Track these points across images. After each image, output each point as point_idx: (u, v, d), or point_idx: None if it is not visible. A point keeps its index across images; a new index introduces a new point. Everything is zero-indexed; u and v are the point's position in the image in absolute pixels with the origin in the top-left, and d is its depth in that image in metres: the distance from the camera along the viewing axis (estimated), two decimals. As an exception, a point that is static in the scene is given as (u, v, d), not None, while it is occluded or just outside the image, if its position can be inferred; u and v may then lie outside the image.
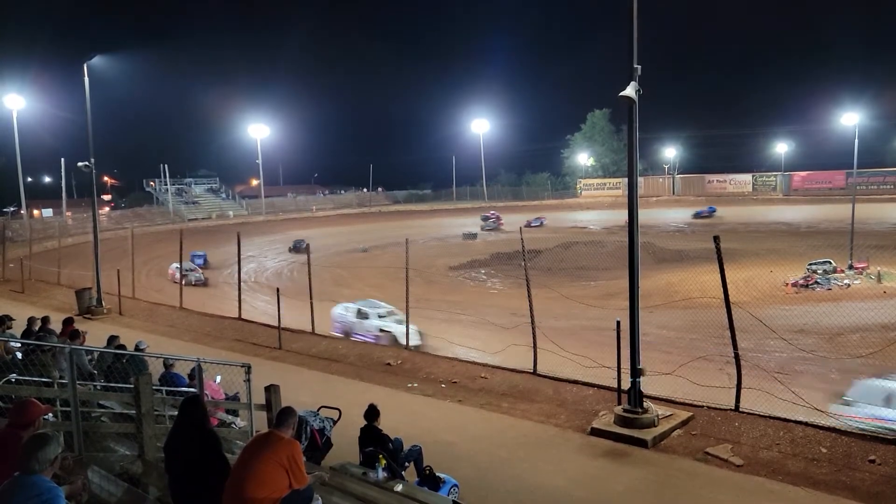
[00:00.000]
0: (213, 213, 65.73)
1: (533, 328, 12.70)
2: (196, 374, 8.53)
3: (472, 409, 10.97)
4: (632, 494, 7.75)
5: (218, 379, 9.69)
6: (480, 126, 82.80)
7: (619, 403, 9.83)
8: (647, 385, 9.87)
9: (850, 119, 42.82)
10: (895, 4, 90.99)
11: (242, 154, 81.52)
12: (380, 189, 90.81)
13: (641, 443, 8.98)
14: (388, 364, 13.78)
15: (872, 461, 7.86)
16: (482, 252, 44.73)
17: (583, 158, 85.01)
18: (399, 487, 6.31)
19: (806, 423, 8.93)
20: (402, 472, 6.93)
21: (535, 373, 12.22)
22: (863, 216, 36.80)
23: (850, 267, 30.15)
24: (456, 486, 7.06)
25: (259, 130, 72.78)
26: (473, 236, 55.01)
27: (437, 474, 7.03)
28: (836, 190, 62.32)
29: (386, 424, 7.24)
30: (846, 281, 28.47)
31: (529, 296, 12.95)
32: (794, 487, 7.56)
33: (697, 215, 60.55)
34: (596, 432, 9.49)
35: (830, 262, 30.04)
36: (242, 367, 8.15)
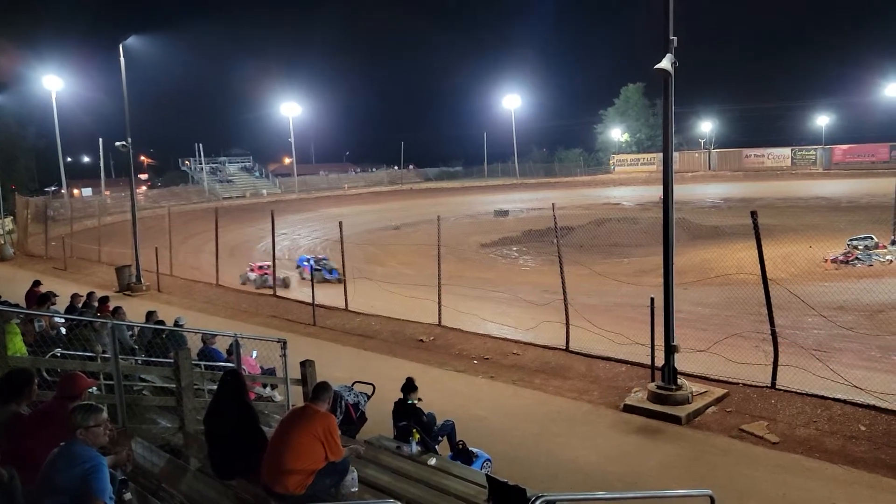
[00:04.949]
0: (247, 192, 66.45)
1: (566, 305, 12.64)
2: (234, 350, 8.71)
3: (504, 385, 11.02)
4: (665, 470, 7.72)
5: (254, 354, 9.90)
6: (512, 102, 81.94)
7: (653, 380, 9.77)
8: (682, 362, 9.78)
9: (895, 90, 41.26)
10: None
11: (275, 132, 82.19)
12: (411, 166, 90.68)
13: (675, 419, 8.93)
14: (421, 340, 13.88)
15: (914, 440, 7.70)
16: (514, 229, 44.44)
17: (616, 134, 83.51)
18: (433, 461, 6.40)
19: (844, 401, 8.78)
20: (436, 447, 7.02)
21: (567, 349, 12.20)
22: (907, 190, 35.57)
23: (893, 242, 29.24)
24: (489, 460, 7.12)
25: (291, 109, 73.19)
26: (505, 213, 54.72)
27: (470, 449, 7.11)
28: (880, 164, 60.30)
29: (419, 398, 7.31)
30: (889, 257, 27.60)
31: (562, 273, 12.88)
32: (832, 465, 7.46)
33: None
34: (629, 409, 9.46)
35: (872, 238, 29.14)
36: (278, 342, 8.30)
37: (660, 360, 9.69)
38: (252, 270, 25.04)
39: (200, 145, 70.04)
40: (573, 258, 21.16)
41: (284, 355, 8.28)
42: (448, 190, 69.68)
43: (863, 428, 8.14)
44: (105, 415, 3.96)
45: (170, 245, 24.18)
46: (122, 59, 21.89)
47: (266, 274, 22.38)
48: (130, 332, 10.31)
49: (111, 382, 6.74)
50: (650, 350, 10.03)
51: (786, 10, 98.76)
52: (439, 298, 15.03)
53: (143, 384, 8.41)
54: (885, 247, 28.76)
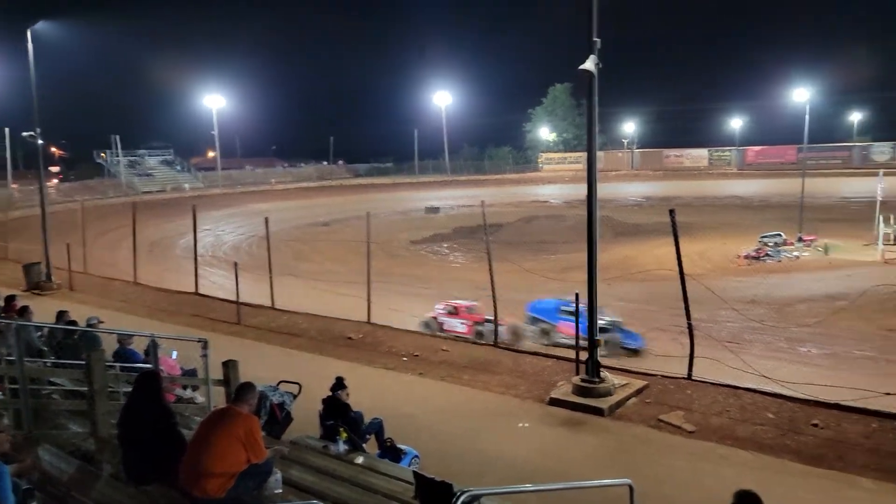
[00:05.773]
0: (168, 186, 64.03)
1: (494, 302, 12.81)
2: (151, 350, 8.38)
3: (433, 382, 11.05)
4: (589, 461, 7.94)
5: (174, 354, 9.55)
6: (442, 99, 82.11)
7: (577, 374, 10.02)
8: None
9: (802, 95, 43.78)
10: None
11: (198, 125, 79.17)
12: (340, 162, 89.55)
13: (598, 411, 9.19)
14: (350, 338, 13.74)
15: (815, 425, 8.21)
16: (444, 226, 44.74)
17: (544, 132, 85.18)
18: (360, 460, 6.35)
19: (754, 390, 9.28)
20: (364, 445, 6.97)
21: (495, 345, 12.36)
22: (812, 190, 37.91)
23: (800, 239, 31.13)
24: (417, 456, 7.12)
25: (215, 101, 70.83)
26: (436, 210, 54.95)
27: (398, 446, 7.08)
28: (788, 165, 63.86)
29: (349, 397, 7.24)
30: (795, 253, 29.39)
31: (491, 270, 13.03)
32: (743, 451, 7.86)
33: None
34: (554, 402, 9.66)
35: (781, 235, 30.97)
36: (199, 342, 8.04)
37: (584, 354, 9.95)
38: (454, 314, 16.45)
39: (117, 137, 66.89)
40: (502, 255, 21.46)
41: (205, 355, 8.01)
42: (378, 186, 69.26)
43: (771, 415, 8.61)
44: (6, 421, 3.73)
45: (83, 241, 23.03)
46: (30, 45, 20.65)
47: (487, 321, 14.31)
48: (39, 333, 9.75)
49: (16, 386, 6.35)
50: (574, 344, 10.29)
51: (705, 16, 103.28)
52: (368, 296, 14.93)
53: (53, 388, 7.97)
54: (792, 244, 30.62)
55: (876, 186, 31.13)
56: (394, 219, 48.18)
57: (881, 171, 33.75)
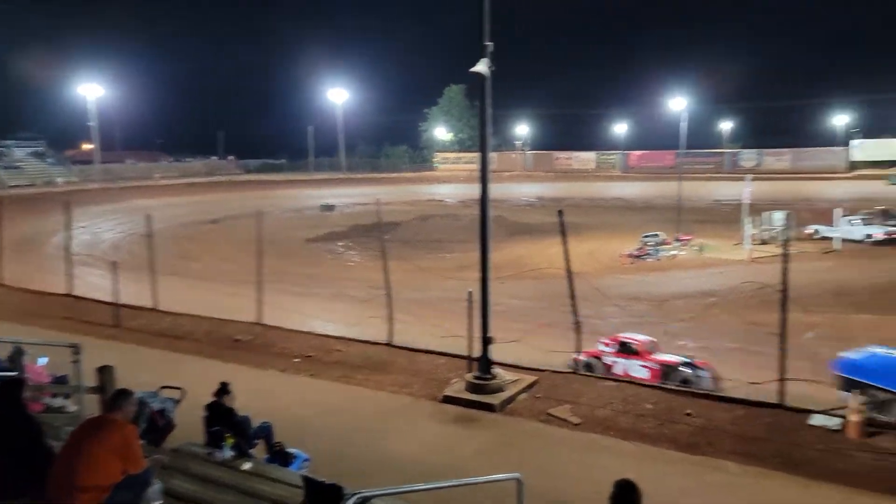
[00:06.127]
0: (39, 180, 59.40)
1: (389, 300, 12.77)
2: (14, 357, 7.73)
3: (326, 383, 10.90)
4: (480, 456, 8.10)
5: (43, 361, 8.84)
6: (338, 96, 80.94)
7: (470, 371, 10.18)
8: (497, 352, 10.29)
9: (679, 104, 46.72)
10: None
11: (73, 116, 73.60)
12: (231, 158, 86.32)
13: (490, 407, 9.39)
14: (238, 340, 13.27)
15: (689, 414, 8.79)
16: (340, 224, 44.17)
17: (440, 132, 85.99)
18: (247, 466, 6.15)
19: (635, 383, 9.83)
20: (252, 451, 6.74)
21: (390, 344, 12.33)
22: (688, 193, 40.55)
23: (677, 239, 33.17)
24: (307, 460, 6.97)
25: (92, 90, 66.16)
26: (331, 208, 54.11)
27: (287, 450, 6.91)
28: (666, 168, 67.84)
29: (236, 402, 6.97)
30: (673, 252, 31.27)
31: (385, 268, 13.00)
32: (625, 442, 8.29)
33: None
34: (448, 399, 9.78)
35: (658, 235, 32.87)
36: (70, 347, 7.50)
37: (477, 351, 10.13)
38: (631, 355, 12.33)
39: (-20, 126, 61.28)
40: (398, 253, 21.49)
41: (77, 361, 7.47)
42: (272, 183, 67.35)
43: (650, 406, 9.12)
44: None
45: (-63, 239, 20.88)
46: None
47: (688, 365, 11.60)
48: None
49: None
50: (467, 342, 10.46)
51: (593, 25, 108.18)
52: (259, 296, 14.48)
53: None
54: (670, 243, 32.59)
55: (744, 190, 33.66)
56: (288, 216, 47.02)
57: (749, 176, 36.51)
